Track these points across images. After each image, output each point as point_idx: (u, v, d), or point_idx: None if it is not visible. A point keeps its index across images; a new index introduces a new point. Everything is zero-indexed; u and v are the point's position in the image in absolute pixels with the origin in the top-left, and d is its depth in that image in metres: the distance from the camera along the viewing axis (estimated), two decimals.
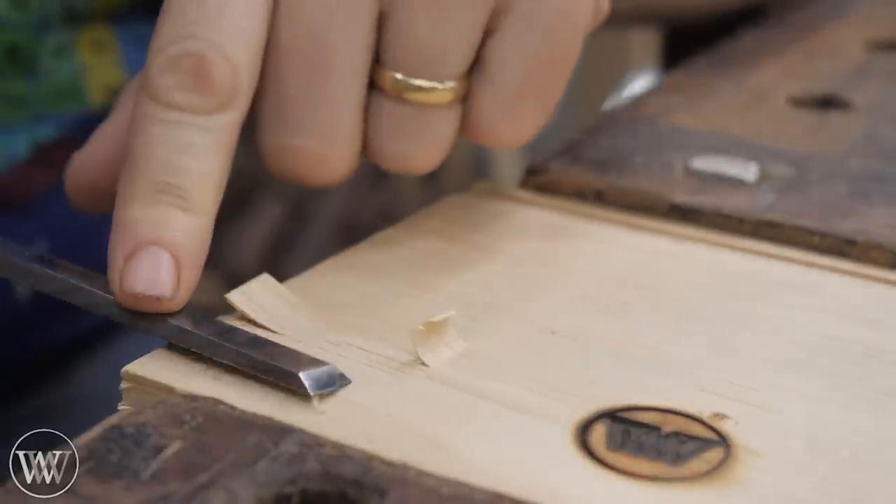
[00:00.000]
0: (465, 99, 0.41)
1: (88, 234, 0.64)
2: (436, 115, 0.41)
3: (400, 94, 0.40)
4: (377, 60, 0.40)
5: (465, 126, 0.42)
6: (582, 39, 0.42)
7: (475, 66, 0.41)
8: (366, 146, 0.41)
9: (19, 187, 0.59)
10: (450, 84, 0.40)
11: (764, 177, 0.48)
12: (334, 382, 0.34)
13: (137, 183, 0.38)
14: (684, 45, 0.66)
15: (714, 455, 0.33)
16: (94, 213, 0.42)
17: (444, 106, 0.41)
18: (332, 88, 0.39)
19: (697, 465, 0.32)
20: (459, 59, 0.40)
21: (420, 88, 0.40)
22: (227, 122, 0.38)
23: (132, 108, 0.39)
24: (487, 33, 0.41)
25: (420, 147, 0.41)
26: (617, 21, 0.62)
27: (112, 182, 0.39)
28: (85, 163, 0.41)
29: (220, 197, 0.38)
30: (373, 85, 0.41)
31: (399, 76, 0.40)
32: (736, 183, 0.48)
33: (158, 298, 0.36)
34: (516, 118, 0.41)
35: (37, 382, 0.65)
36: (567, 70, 0.42)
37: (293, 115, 0.40)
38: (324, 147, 0.40)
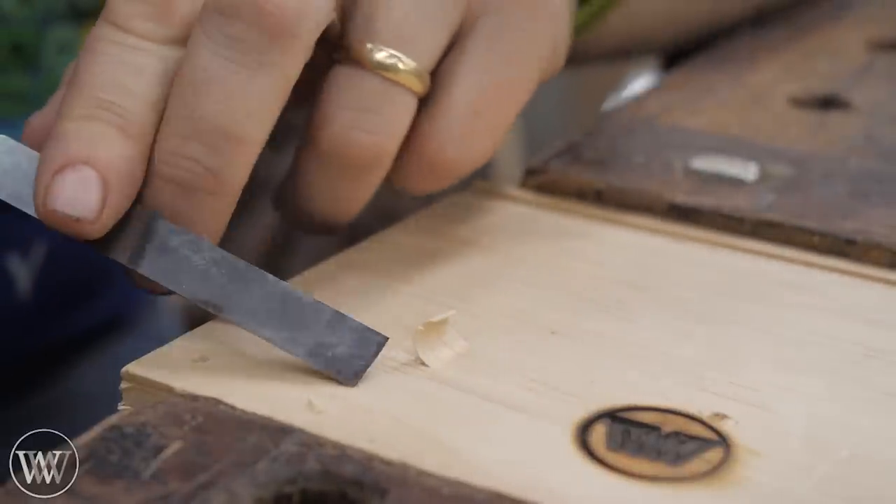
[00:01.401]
0: (421, 101, 0.40)
1: None
2: (396, 94, 0.39)
3: (369, 66, 0.39)
4: (348, 34, 0.40)
5: (412, 140, 0.41)
6: (536, 78, 0.42)
7: (432, 78, 0.41)
8: (315, 119, 0.40)
9: None
10: (416, 66, 0.39)
11: (764, 177, 0.48)
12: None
13: (78, 97, 0.36)
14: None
15: (714, 455, 0.33)
16: None
17: (406, 89, 0.40)
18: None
19: (697, 465, 0.32)
20: (429, 48, 0.40)
21: (388, 65, 0.39)
22: (180, 58, 0.37)
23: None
24: (449, 48, 0.41)
25: (371, 121, 0.39)
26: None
27: None
28: (42, 122, 0.40)
29: (155, 130, 0.37)
30: (341, 60, 0.40)
31: (371, 45, 0.39)
32: (736, 183, 0.48)
33: (78, 220, 0.35)
34: (464, 137, 0.41)
35: (38, 380, 0.65)
36: (518, 103, 0.42)
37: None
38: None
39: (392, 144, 0.40)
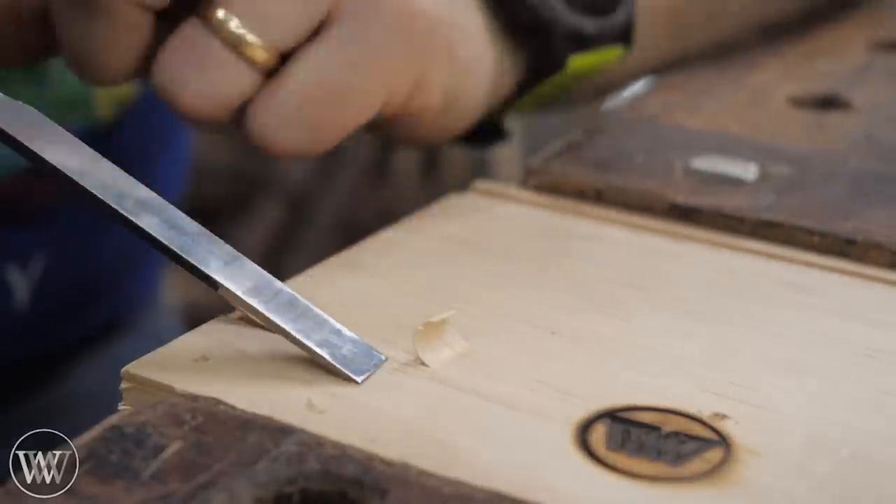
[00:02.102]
0: (265, 79, 0.41)
1: (88, 250, 0.64)
2: (236, 65, 0.41)
3: (216, 30, 0.40)
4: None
5: (246, 113, 0.42)
6: (378, 99, 0.43)
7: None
8: (157, 61, 0.41)
9: (23, 198, 0.59)
10: (262, 42, 0.40)
11: (764, 177, 0.48)
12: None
13: None
14: None
15: (714, 455, 0.33)
16: None
17: (248, 63, 0.41)
18: None
19: (697, 465, 0.32)
20: (281, 29, 0.41)
21: (235, 35, 0.40)
22: None
23: None
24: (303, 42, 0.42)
25: (201, 84, 0.40)
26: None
27: None
28: None
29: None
30: (198, 14, 0.41)
31: (223, 11, 0.40)
32: (736, 183, 0.48)
33: None
34: (286, 126, 0.42)
35: (38, 383, 0.65)
36: (351, 114, 0.42)
37: None
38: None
39: (218, 111, 0.41)
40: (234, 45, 0.40)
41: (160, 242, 0.36)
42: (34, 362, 0.65)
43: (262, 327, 0.37)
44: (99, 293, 0.67)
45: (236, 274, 0.36)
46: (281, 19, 0.41)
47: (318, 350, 0.35)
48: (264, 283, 0.36)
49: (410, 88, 0.43)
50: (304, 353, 0.36)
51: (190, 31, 0.41)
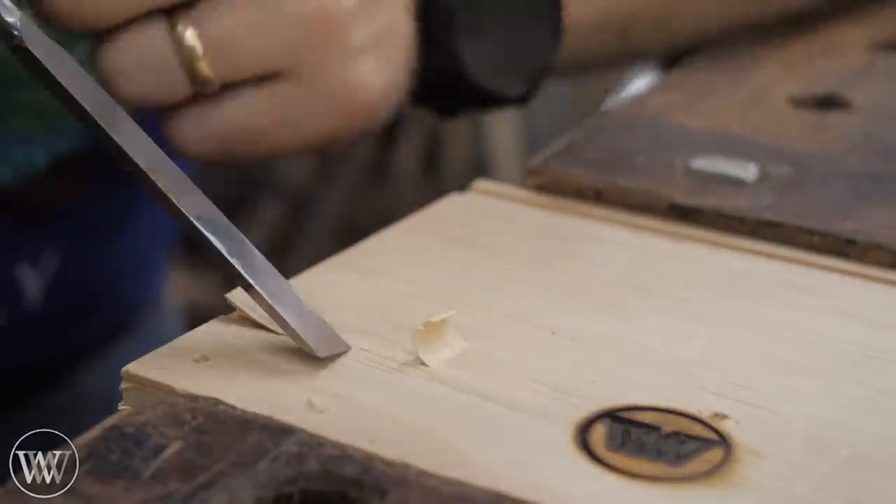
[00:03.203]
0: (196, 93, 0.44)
1: (100, 250, 0.64)
2: (176, 70, 0.43)
3: (176, 37, 0.43)
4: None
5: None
6: (293, 150, 0.47)
7: None
8: None
9: (39, 199, 0.59)
10: (211, 68, 0.43)
11: (764, 177, 0.48)
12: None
13: None
14: None
15: (714, 455, 0.33)
16: None
17: (190, 73, 0.43)
18: None
19: (697, 465, 0.32)
20: (236, 67, 0.43)
21: (192, 49, 0.43)
22: None
23: None
24: None
25: (143, 76, 0.43)
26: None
27: None
28: None
29: None
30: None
31: (185, 26, 0.43)
32: (736, 183, 0.48)
33: None
34: (205, 142, 0.45)
35: (46, 386, 0.66)
36: (265, 153, 0.47)
37: None
38: None
39: (148, 105, 0.44)
40: (185, 56, 0.43)
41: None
42: (44, 364, 0.65)
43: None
44: (109, 294, 0.67)
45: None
46: (239, 55, 0.43)
47: (288, 319, 0.36)
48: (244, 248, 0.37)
49: (328, 142, 0.47)
50: (302, 352, 0.36)
51: (149, 31, 0.43)
